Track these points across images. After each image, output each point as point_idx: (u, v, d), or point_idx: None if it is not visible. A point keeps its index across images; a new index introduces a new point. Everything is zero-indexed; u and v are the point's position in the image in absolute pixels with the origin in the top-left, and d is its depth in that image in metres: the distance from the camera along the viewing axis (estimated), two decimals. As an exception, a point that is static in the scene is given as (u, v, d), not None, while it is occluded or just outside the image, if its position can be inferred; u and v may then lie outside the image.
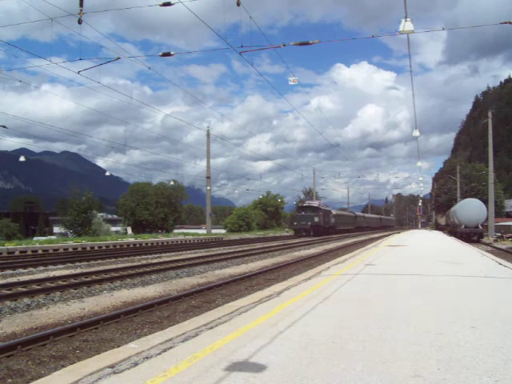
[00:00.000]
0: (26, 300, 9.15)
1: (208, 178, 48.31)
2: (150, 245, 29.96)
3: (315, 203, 53.28)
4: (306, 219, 48.83)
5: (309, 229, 48.53)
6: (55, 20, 14.19)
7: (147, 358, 3.76)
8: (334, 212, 60.41)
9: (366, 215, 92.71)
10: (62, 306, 8.78)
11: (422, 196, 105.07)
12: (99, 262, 17.31)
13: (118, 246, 28.50)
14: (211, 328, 4.79)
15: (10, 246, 24.19)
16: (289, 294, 6.94)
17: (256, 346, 4.01)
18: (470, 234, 35.96)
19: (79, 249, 25.57)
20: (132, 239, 34.25)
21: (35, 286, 10.66)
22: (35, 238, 40.67)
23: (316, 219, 49.18)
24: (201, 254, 21.58)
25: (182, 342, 4.26)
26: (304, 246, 30.52)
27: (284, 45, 14.37)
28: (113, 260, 18.14)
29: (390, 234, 53.40)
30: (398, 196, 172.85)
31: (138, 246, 29.52)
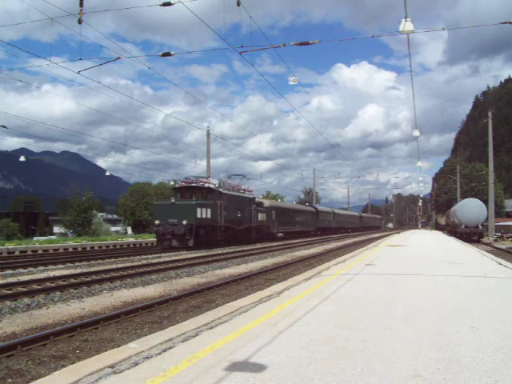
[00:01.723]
0: (26, 300, 9.14)
1: (208, 177, 48.31)
2: (150, 245, 29.94)
3: (211, 183, 27.64)
4: (177, 214, 23.99)
5: (183, 233, 23.61)
6: (55, 20, 14.19)
7: (147, 357, 3.76)
8: (266, 203, 38.02)
9: (337, 211, 66.72)
10: (62, 305, 8.78)
11: (422, 196, 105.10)
12: (99, 261, 17.30)
13: (118, 246, 28.50)
14: (211, 328, 4.79)
15: (9, 245, 24.19)
16: (289, 294, 6.94)
17: (256, 345, 4.01)
18: (470, 234, 36.00)
19: (79, 249, 25.57)
20: (132, 239, 34.27)
21: (35, 286, 10.65)
22: (35, 238, 40.71)
23: (202, 213, 24.82)
24: (201, 253, 21.56)
25: (182, 341, 4.26)
26: (304, 245, 30.57)
27: (284, 45, 14.37)
28: (113, 260, 18.13)
29: (389, 235, 53.43)
30: (398, 196, 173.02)
31: (137, 245, 29.51)
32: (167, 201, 26.39)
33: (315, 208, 54.41)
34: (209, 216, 25.58)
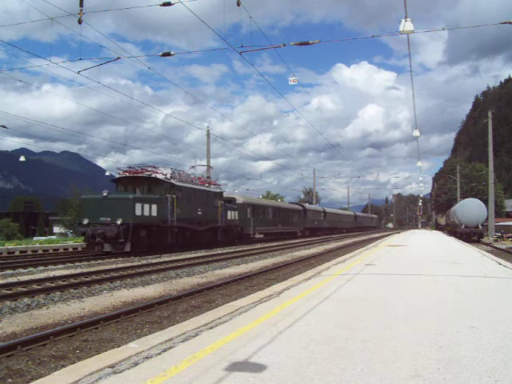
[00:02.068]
0: (26, 300, 9.14)
1: (208, 177, 48.32)
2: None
3: (160, 173, 22.81)
4: (110, 211, 19.41)
5: (115, 236, 18.91)
6: (55, 20, 14.19)
7: (147, 357, 3.76)
8: (240, 200, 32.74)
9: (329, 210, 60.76)
10: (62, 305, 8.78)
11: (422, 196, 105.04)
12: (99, 261, 17.30)
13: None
14: (211, 328, 4.79)
15: (10, 245, 24.22)
16: (289, 294, 6.94)
17: (256, 345, 4.01)
18: (470, 234, 36.03)
19: (79, 249, 25.56)
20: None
21: (35, 286, 10.65)
22: (35, 238, 40.75)
23: (144, 210, 20.17)
24: (201, 253, 21.57)
25: (182, 341, 4.26)
26: (304, 245, 30.59)
27: (284, 45, 14.38)
28: (113, 260, 18.13)
29: (389, 235, 53.45)
30: (398, 196, 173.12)
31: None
32: (98, 194, 20.60)
33: (302, 206, 49.57)
34: (154, 214, 20.82)
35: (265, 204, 39.23)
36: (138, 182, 22.08)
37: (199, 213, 25.08)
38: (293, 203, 52.84)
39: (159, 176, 22.35)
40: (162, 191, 21.83)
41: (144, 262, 17.25)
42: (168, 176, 22.85)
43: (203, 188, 26.59)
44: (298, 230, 46.20)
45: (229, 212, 29.19)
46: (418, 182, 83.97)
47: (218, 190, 28.63)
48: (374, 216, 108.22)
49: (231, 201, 31.35)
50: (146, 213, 20.34)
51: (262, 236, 37.97)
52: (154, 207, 20.87)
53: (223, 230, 28.48)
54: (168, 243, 22.20)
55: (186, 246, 23.84)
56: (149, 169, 22.95)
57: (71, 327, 6.76)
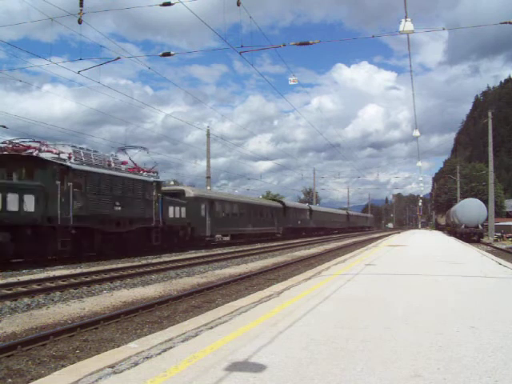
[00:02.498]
0: (26, 300, 9.14)
1: (208, 177, 48.24)
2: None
3: (49, 151, 15.94)
4: None
5: None
6: (55, 20, 14.20)
7: (147, 357, 3.76)
8: (190, 193, 26.29)
9: (316, 208, 54.98)
10: (62, 305, 8.78)
11: (422, 196, 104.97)
12: (99, 261, 17.29)
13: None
14: (211, 328, 4.79)
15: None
16: (289, 294, 6.94)
17: (256, 345, 4.01)
18: (470, 234, 36.07)
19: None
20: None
21: (35, 286, 10.65)
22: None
23: (8, 203, 13.79)
24: (201, 254, 21.57)
25: (182, 341, 4.26)
26: (304, 245, 30.60)
27: (284, 45, 14.39)
28: (112, 260, 18.12)
29: (389, 235, 53.48)
30: (398, 196, 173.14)
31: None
32: None
33: (282, 203, 43.44)
34: (29, 208, 14.55)
35: (227, 199, 31.76)
36: (14, 162, 15.55)
37: (117, 208, 18.61)
38: (272, 200, 47.98)
39: (45, 155, 15.73)
40: (48, 176, 15.47)
41: (144, 261, 17.25)
42: (64, 156, 16.28)
43: (125, 175, 19.59)
44: (276, 231, 40.22)
45: (171, 208, 22.61)
46: (418, 181, 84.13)
47: (152, 179, 21.39)
48: (369, 215, 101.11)
49: (178, 194, 25.13)
50: (13, 207, 14.09)
51: (227, 239, 32.30)
52: (30, 199, 14.62)
53: (161, 232, 21.80)
54: (57, 250, 15.71)
55: (98, 255, 17.71)
56: (33, 145, 16.20)
57: (71, 327, 6.76)
